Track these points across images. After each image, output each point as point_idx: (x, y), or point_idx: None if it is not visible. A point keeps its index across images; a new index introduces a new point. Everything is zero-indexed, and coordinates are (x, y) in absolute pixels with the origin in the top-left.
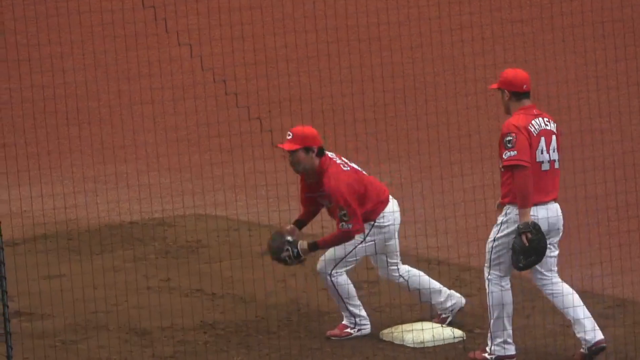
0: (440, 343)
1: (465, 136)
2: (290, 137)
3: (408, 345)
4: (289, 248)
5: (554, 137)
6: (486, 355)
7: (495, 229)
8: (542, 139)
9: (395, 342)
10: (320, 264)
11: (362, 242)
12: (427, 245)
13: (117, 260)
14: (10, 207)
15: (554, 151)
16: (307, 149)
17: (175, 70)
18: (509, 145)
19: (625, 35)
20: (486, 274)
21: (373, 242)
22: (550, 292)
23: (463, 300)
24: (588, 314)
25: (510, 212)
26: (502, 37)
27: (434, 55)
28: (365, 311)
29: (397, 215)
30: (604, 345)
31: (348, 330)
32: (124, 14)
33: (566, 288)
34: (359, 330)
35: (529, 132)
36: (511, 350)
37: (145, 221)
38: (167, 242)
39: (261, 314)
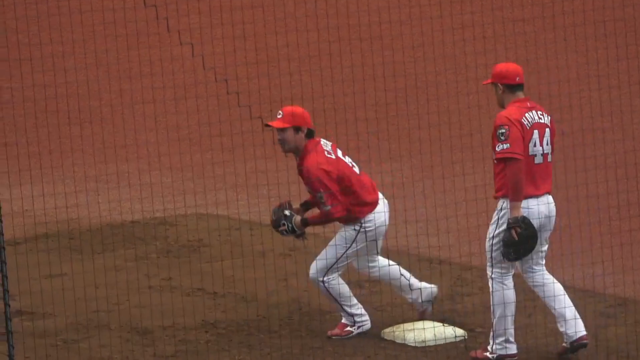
0: (442, 342)
1: (466, 135)
2: (280, 115)
3: (409, 344)
4: (285, 222)
5: (547, 130)
6: (488, 354)
7: (492, 227)
8: (536, 131)
9: (397, 341)
10: (312, 271)
11: (351, 245)
12: (429, 245)
13: (118, 259)
14: (11, 206)
15: (547, 144)
16: (297, 129)
17: (176, 70)
18: (502, 137)
19: (626, 34)
20: (489, 273)
21: (364, 244)
22: (534, 283)
23: (435, 289)
24: (570, 303)
25: (505, 207)
26: (504, 36)
27: (436, 54)
28: (367, 310)
29: (387, 216)
30: (586, 341)
31: (349, 328)
32: (125, 13)
33: (551, 278)
34: (359, 327)
35: (522, 124)
36: (512, 349)
37: (146, 220)
38: (169, 241)
39: (262, 313)
